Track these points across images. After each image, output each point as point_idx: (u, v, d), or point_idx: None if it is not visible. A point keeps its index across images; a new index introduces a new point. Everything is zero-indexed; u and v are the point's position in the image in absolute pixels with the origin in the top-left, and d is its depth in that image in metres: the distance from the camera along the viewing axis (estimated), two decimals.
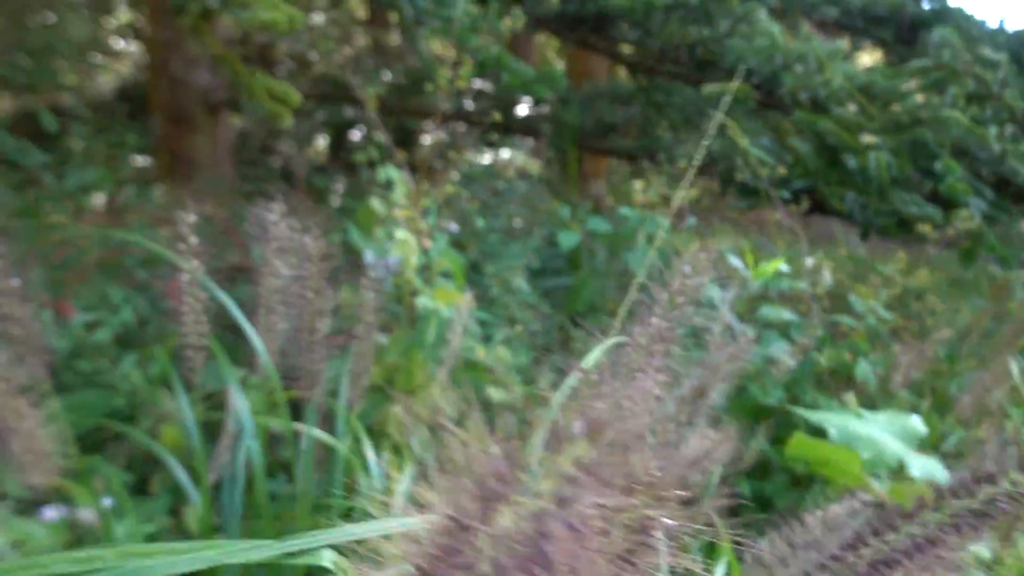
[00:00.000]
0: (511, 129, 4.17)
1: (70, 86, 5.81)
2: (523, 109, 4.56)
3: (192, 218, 0.84)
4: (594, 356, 0.88)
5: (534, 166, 4.99)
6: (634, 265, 1.80)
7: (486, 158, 6.53)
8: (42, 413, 0.75)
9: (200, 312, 0.88)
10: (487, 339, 1.62)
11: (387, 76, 6.42)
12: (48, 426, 0.80)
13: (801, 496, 1.68)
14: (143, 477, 1.47)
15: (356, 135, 6.72)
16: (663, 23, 2.23)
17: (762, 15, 2.20)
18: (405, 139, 6.87)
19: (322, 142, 6.89)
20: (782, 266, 1.46)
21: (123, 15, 6.33)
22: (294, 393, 1.02)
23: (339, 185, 6.44)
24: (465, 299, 1.34)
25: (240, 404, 0.98)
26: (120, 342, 1.46)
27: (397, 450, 1.42)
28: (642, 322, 0.86)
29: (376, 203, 1.60)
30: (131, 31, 6.22)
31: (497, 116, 4.44)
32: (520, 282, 1.67)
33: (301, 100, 1.33)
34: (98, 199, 1.40)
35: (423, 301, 1.38)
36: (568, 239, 1.93)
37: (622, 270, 2.50)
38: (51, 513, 1.15)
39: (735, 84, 2.05)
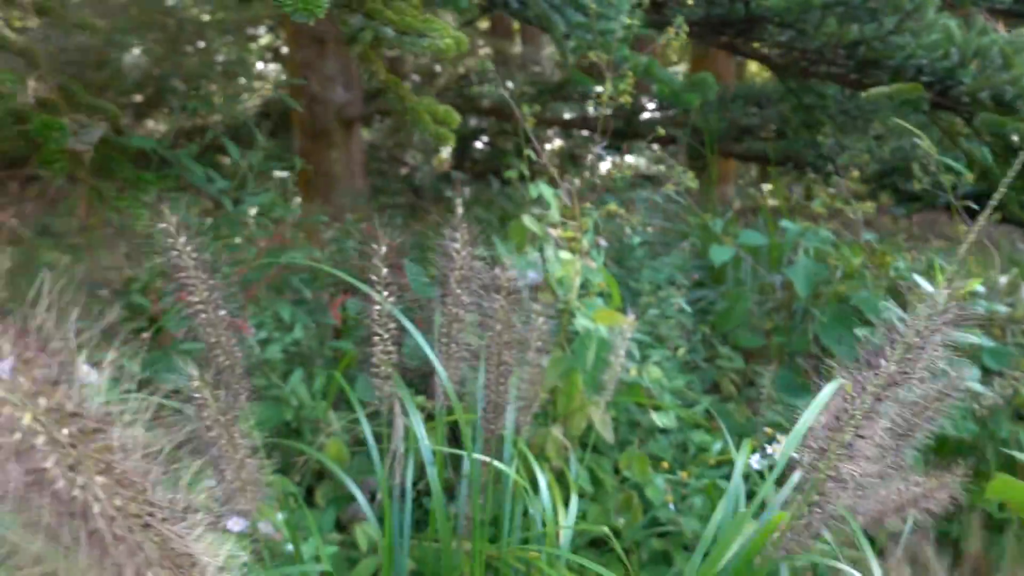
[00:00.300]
0: (638, 134, 4.08)
1: (218, 107, 6.24)
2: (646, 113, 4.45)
3: (382, 249, 0.84)
4: (822, 399, 0.82)
5: (666, 172, 4.86)
6: (798, 283, 1.69)
7: (608, 165, 6.46)
8: (248, 441, 0.77)
9: (389, 342, 0.89)
10: (642, 359, 1.56)
11: (511, 85, 6.46)
12: (251, 451, 0.82)
13: (994, 540, 1.52)
14: (308, 489, 1.52)
15: (479, 144, 6.82)
16: (819, 22, 2.10)
17: (931, 8, 2.03)
18: (521, 151, 6.85)
19: (446, 151, 7.05)
20: (978, 286, 1.32)
21: (264, 39, 6.73)
22: (465, 416, 1.01)
23: (464, 193, 6.55)
24: (627, 321, 1.29)
25: (419, 429, 0.98)
26: (288, 358, 1.52)
27: (557, 473, 1.39)
28: (871, 365, 0.78)
29: (529, 220, 1.58)
30: (271, 53, 6.61)
31: (621, 122, 4.36)
32: (680, 301, 1.60)
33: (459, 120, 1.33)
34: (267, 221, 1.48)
35: (583, 322, 1.35)
36: (721, 254, 1.84)
37: (769, 284, 2.37)
38: (236, 525, 1.20)
39: (904, 85, 1.90)
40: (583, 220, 1.37)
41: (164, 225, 0.78)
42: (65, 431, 0.34)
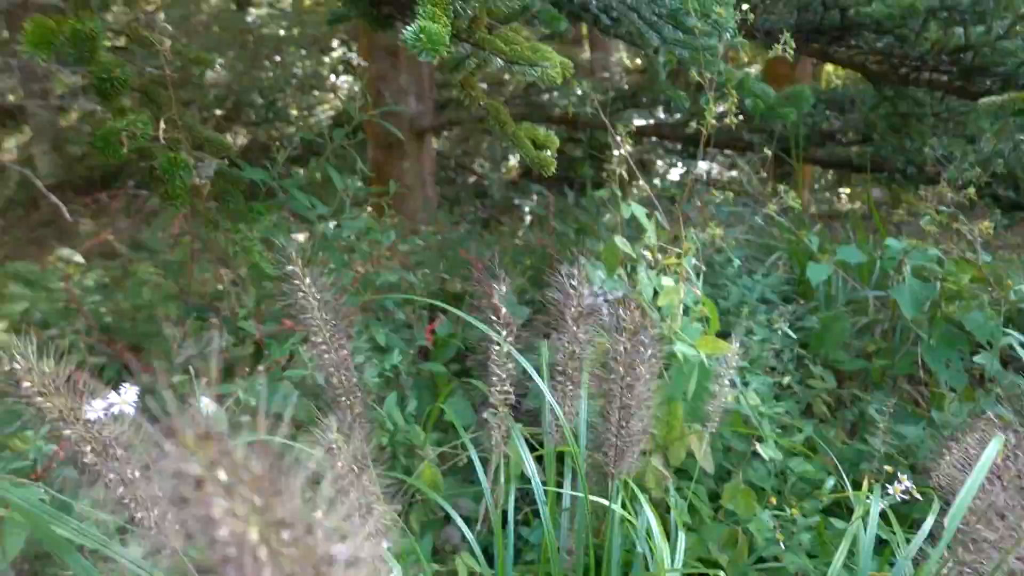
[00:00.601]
0: (718, 143, 3.99)
1: (294, 119, 6.41)
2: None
3: (503, 289, 0.83)
4: (986, 462, 0.77)
5: (757, 187, 4.75)
6: (903, 304, 1.61)
7: (679, 172, 6.35)
8: (377, 488, 0.77)
9: (506, 380, 0.87)
10: (743, 385, 1.51)
11: (579, 92, 6.42)
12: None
13: None
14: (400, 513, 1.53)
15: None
16: (922, 27, 2.00)
17: None
18: (598, 153, 6.84)
19: (513, 159, 7.06)
20: None
21: (337, 52, 6.88)
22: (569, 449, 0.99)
23: (532, 202, 6.55)
24: (730, 349, 1.25)
25: (529, 465, 0.97)
26: (382, 381, 1.53)
27: (657, 504, 1.36)
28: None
29: (621, 242, 1.55)
30: (344, 66, 6.75)
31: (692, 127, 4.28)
32: (783, 327, 1.54)
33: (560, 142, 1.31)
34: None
35: (683, 349, 1.31)
36: (818, 272, 1.77)
37: (863, 299, 2.27)
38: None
39: (1019, 94, 1.79)
40: (686, 245, 1.33)
41: (292, 268, 0.79)
42: (283, 537, 0.33)
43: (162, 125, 0.97)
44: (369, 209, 4.18)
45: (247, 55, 5.96)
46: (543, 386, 0.88)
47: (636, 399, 0.83)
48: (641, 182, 1.69)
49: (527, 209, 6.42)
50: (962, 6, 1.86)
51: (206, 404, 1.06)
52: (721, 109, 1.35)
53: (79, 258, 2.76)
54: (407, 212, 4.65)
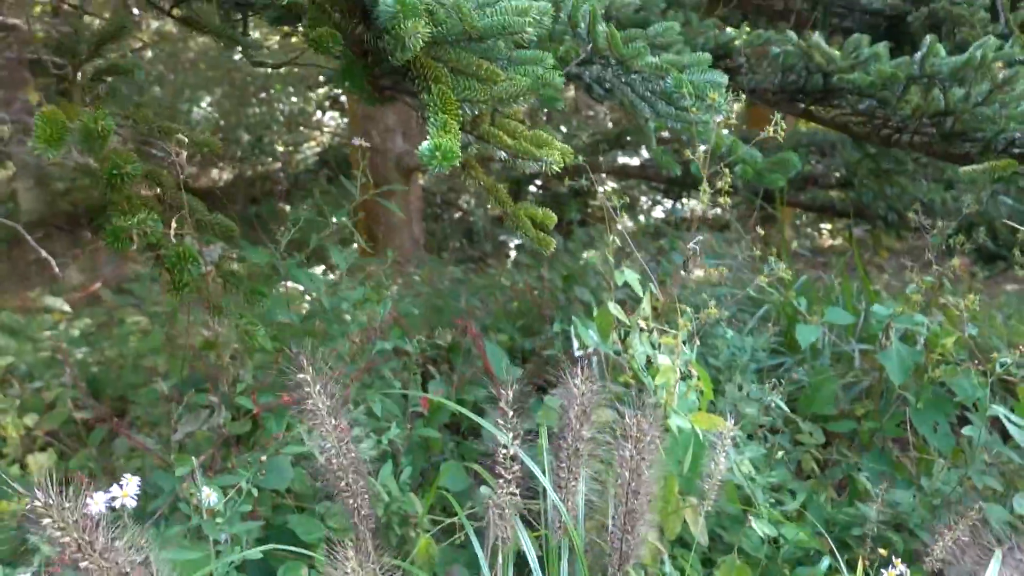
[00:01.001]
0: (696, 184, 4.04)
1: (279, 156, 6.43)
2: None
3: (508, 395, 0.84)
4: None
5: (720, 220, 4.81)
6: (891, 370, 1.64)
7: (660, 212, 6.42)
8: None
9: (512, 482, 0.88)
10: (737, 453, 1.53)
11: (563, 130, 6.51)
12: None
13: None
14: None
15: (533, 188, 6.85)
16: (902, 93, 2.06)
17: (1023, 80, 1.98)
18: (578, 193, 6.91)
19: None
20: None
21: (323, 90, 6.93)
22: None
23: (518, 238, 6.57)
24: (726, 425, 1.27)
25: (532, 560, 0.97)
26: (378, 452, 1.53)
27: None
28: None
29: (614, 308, 1.57)
30: (330, 103, 6.81)
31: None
32: (776, 400, 1.57)
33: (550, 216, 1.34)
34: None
35: (679, 423, 1.33)
36: (807, 334, 1.80)
37: (847, 354, 2.31)
38: None
39: (999, 162, 1.84)
40: (682, 323, 1.35)
41: (303, 376, 0.79)
42: None
43: (173, 225, 0.98)
44: (355, 246, 4.18)
45: (234, 92, 5.98)
46: (547, 484, 0.88)
47: (640, 504, 0.85)
48: (626, 219, 1.72)
49: (512, 245, 6.46)
50: (942, 74, 1.93)
51: (207, 495, 1.05)
52: (716, 187, 1.38)
53: (65, 306, 2.73)
54: (395, 249, 4.65)
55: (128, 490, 0.99)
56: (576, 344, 2.06)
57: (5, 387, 2.29)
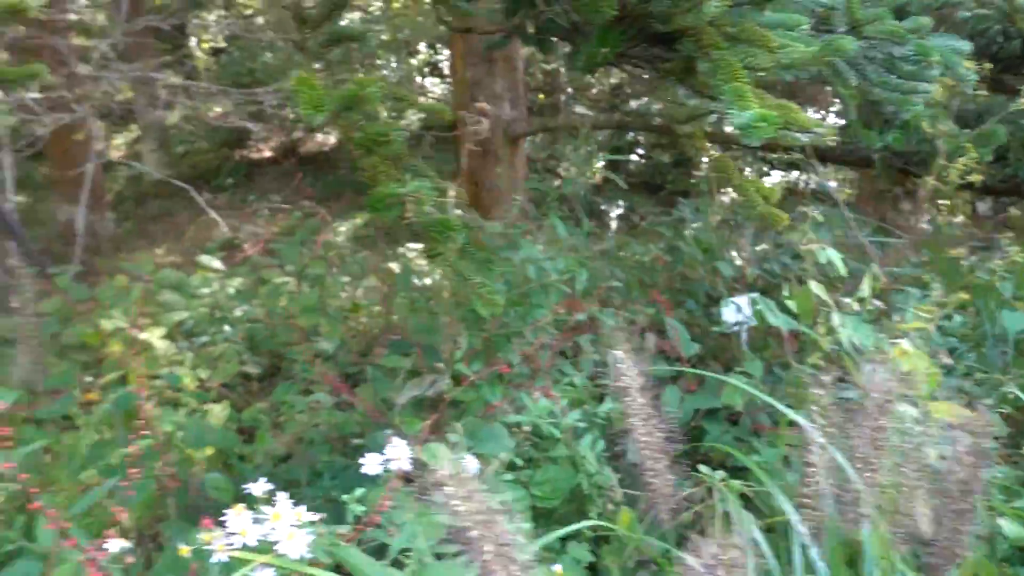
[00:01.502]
0: (829, 157, 3.87)
1: (384, 121, 6.49)
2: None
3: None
4: None
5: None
6: None
7: (771, 182, 6.22)
8: None
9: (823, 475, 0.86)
10: None
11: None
12: None
13: None
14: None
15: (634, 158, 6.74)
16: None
17: None
18: (678, 164, 6.74)
19: (598, 164, 7.02)
20: None
21: (422, 55, 6.94)
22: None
23: (619, 207, 6.52)
24: (971, 414, 1.21)
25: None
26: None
27: None
28: None
29: (816, 287, 1.52)
30: (432, 69, 6.81)
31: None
32: (1016, 391, 1.49)
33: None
34: None
35: (913, 414, 1.27)
36: (1016, 321, 1.70)
37: None
38: None
39: None
40: (930, 307, 1.29)
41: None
42: None
43: (452, 192, 0.98)
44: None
45: (340, 57, 6.05)
46: (850, 470, 0.86)
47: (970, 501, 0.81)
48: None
49: (612, 215, 6.38)
50: None
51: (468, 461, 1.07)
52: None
53: (218, 264, 2.84)
54: (499, 214, 4.65)
55: (400, 452, 1.01)
56: (727, 318, 2.02)
57: (175, 341, 2.41)
